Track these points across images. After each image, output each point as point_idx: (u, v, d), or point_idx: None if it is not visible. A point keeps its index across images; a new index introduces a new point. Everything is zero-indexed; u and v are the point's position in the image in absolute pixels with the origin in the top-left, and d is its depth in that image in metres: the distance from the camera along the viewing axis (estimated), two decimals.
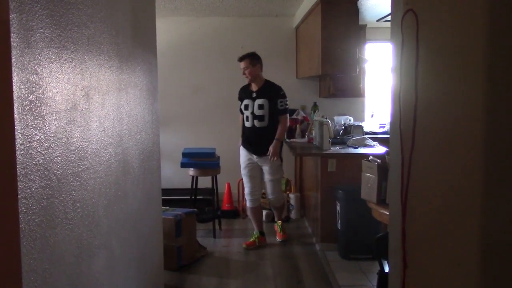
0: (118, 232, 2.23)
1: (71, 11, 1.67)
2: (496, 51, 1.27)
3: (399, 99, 1.77)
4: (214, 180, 5.26)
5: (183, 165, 5.14)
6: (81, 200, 1.75)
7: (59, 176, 1.55)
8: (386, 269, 2.93)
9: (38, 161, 1.40)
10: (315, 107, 6.18)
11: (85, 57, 1.81)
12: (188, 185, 5.45)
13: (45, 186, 1.45)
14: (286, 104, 4.76)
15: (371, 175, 3.03)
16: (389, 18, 5.66)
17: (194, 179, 5.26)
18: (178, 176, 6.14)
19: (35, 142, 1.38)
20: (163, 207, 3.89)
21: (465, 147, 1.38)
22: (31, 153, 1.36)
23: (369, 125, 6.29)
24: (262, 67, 4.86)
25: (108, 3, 2.11)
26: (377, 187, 2.96)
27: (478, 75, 1.31)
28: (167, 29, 6.42)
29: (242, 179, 6.06)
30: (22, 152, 1.30)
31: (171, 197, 5.54)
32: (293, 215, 5.79)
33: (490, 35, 1.27)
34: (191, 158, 5.13)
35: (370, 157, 3.13)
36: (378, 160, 3.01)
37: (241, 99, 4.94)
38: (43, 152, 1.44)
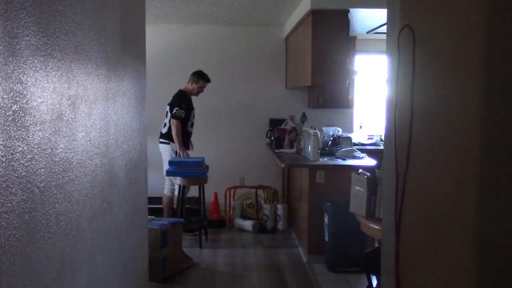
0: (102, 245, 2.17)
1: (59, 19, 1.62)
2: (494, 68, 1.25)
3: (394, 116, 1.75)
4: (201, 190, 5.21)
5: (169, 173, 5.08)
6: (65, 213, 1.70)
7: (42, 188, 1.50)
8: (374, 284, 2.91)
9: (21, 173, 1.35)
10: (303, 117, 6.17)
11: (72, 65, 1.76)
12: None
13: (27, 200, 1.39)
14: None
15: (360, 189, 3.00)
16: (379, 30, 5.69)
17: (181, 188, 5.20)
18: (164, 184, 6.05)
19: (17, 154, 1.33)
20: (149, 216, 3.83)
21: (461, 165, 1.36)
22: (13, 165, 1.31)
23: (357, 136, 6.29)
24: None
25: (97, 10, 2.06)
26: (366, 200, 2.94)
27: (475, 90, 1.29)
28: (157, 36, 6.37)
29: (230, 188, 6.05)
30: (4, 164, 1.25)
31: (157, 205, 5.46)
32: (280, 226, 5.74)
33: (488, 52, 1.25)
34: (178, 167, 5.07)
35: (360, 170, 3.10)
36: (368, 174, 2.99)
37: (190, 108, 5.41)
38: (25, 164, 1.38)
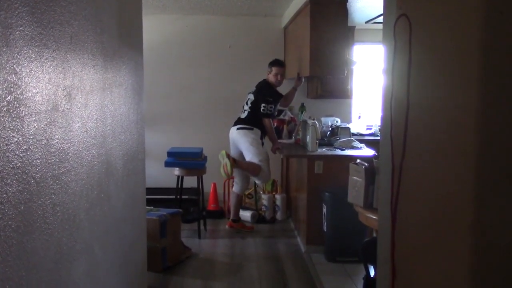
0: (100, 235, 2.17)
1: (54, 8, 1.61)
2: (491, 59, 1.24)
3: (390, 106, 1.74)
4: (200, 180, 5.21)
5: (167, 164, 5.07)
6: (62, 204, 1.70)
7: (38, 179, 1.50)
8: (372, 274, 2.92)
9: (16, 164, 1.35)
10: (302, 108, 6.15)
11: (68, 56, 1.75)
12: (174, 184, 5.39)
13: (22, 190, 1.39)
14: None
15: (358, 179, 3.01)
16: (377, 20, 5.66)
17: (180, 179, 5.21)
18: (163, 175, 6.05)
19: (12, 145, 1.33)
20: (147, 207, 3.83)
21: (458, 154, 1.36)
22: (8, 156, 1.30)
23: (356, 126, 6.29)
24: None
25: (92, 0, 2.05)
26: (364, 191, 2.94)
27: (472, 81, 1.29)
28: (154, 27, 6.34)
29: (228, 178, 6.04)
30: None
31: (155, 196, 5.47)
32: (279, 216, 5.76)
33: (485, 42, 1.25)
34: (176, 158, 5.06)
35: (358, 161, 3.10)
36: (366, 164, 2.99)
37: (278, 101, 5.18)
38: (21, 154, 1.38)
